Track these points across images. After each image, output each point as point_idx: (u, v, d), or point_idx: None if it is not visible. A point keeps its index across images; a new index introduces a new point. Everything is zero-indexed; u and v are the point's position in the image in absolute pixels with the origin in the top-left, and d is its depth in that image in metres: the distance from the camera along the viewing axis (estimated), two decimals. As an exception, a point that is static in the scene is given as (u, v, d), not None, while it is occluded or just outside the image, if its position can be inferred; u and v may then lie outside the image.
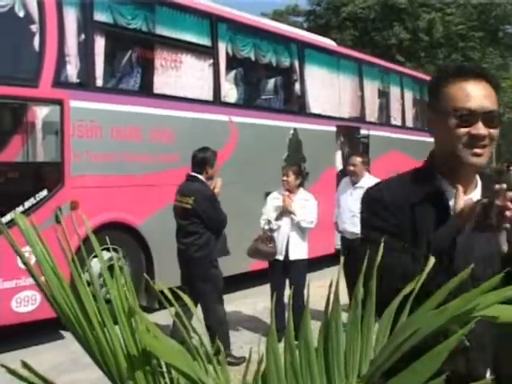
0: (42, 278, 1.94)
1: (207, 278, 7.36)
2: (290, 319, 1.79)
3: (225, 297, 10.55)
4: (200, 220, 7.31)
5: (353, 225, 8.36)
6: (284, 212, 8.16)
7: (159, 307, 8.59)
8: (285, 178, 8.30)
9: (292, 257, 8.14)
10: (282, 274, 8.10)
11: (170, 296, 1.92)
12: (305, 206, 8.22)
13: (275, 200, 8.32)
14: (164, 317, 7.04)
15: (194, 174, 7.52)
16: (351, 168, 8.75)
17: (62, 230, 2.14)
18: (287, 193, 8.25)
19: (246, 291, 10.98)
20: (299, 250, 8.20)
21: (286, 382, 1.76)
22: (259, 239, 8.18)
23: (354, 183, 8.74)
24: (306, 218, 8.15)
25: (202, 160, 7.56)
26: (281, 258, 8.13)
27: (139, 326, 1.80)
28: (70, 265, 1.94)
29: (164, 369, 1.83)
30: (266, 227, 8.19)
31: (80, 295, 1.84)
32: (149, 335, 1.77)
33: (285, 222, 8.19)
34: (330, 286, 1.96)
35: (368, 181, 8.29)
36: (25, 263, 1.92)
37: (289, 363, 1.81)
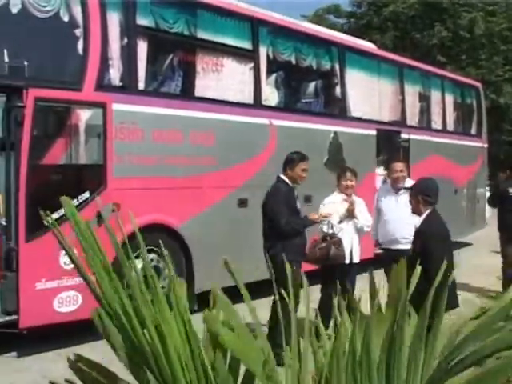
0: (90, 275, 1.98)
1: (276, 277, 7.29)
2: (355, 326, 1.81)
3: (263, 300, 10.60)
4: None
5: (404, 232, 7.99)
6: (348, 216, 8.08)
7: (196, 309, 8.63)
8: (349, 183, 8.23)
9: (355, 260, 8.12)
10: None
11: (223, 296, 1.94)
12: (360, 210, 8.20)
13: (333, 204, 8.18)
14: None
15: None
16: (396, 175, 8.45)
17: (109, 228, 2.18)
18: (346, 197, 8.20)
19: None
20: (358, 254, 8.20)
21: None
22: (328, 243, 7.89)
23: (396, 189, 8.46)
24: (366, 222, 8.16)
25: (285, 160, 7.87)
26: (347, 261, 8.03)
27: (191, 326, 1.82)
28: (120, 258, 1.97)
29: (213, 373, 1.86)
30: (331, 231, 7.99)
31: (135, 295, 1.87)
32: (231, 336, 1.79)
33: (348, 225, 8.11)
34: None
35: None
36: (73, 260, 1.96)
37: (350, 369, 1.82)
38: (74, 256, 2.00)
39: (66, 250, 1.97)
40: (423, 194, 6.40)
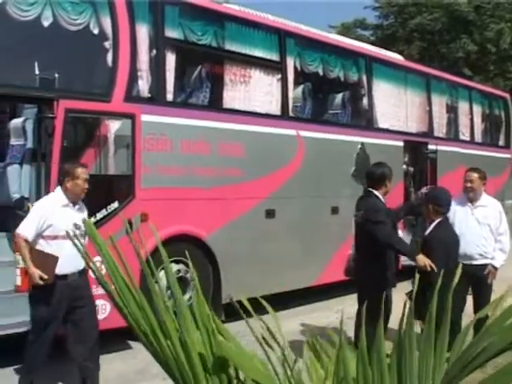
0: (113, 287, 2.01)
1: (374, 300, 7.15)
2: (361, 331, 1.82)
3: (290, 311, 10.60)
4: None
5: (480, 249, 7.77)
6: None
7: (225, 319, 8.65)
8: (469, 185, 7.90)
9: None
10: None
11: (249, 307, 1.96)
12: None
13: None
14: (232, 329, 7.08)
15: (369, 188, 7.34)
16: (468, 184, 7.92)
17: (133, 241, 2.21)
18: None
19: (311, 306, 11.00)
20: None
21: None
22: None
23: (471, 201, 7.92)
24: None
25: (380, 174, 7.36)
26: None
27: (219, 339, 1.84)
28: (145, 272, 2.00)
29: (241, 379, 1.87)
30: None
31: (154, 305, 1.89)
32: (231, 348, 1.81)
33: None
34: (405, 304, 1.99)
35: (489, 199, 7.99)
36: (95, 273, 1.99)
37: (361, 374, 1.84)
38: (99, 272, 2.03)
39: (87, 264, 1.99)
40: (434, 204, 6.48)
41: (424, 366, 1.83)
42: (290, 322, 9.69)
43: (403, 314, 1.96)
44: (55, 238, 6.17)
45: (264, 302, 2.11)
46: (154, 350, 1.91)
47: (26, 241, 6.10)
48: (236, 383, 1.89)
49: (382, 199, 7.26)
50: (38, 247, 6.15)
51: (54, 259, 6.03)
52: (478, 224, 7.77)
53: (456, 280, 2.02)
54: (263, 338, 1.95)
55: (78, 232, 6.12)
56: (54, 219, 6.21)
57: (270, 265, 10.32)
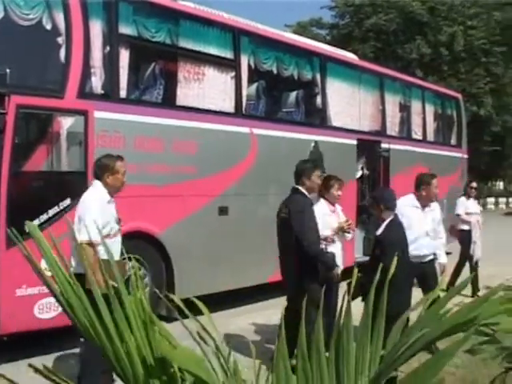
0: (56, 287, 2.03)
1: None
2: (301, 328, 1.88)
3: (242, 308, 10.66)
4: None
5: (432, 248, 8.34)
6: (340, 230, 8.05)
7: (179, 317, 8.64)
8: (340, 193, 8.24)
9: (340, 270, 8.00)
10: None
11: (182, 306, 2.00)
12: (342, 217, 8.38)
13: (329, 217, 8.03)
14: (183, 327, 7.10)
15: (295, 185, 7.48)
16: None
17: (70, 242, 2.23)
18: (333, 207, 8.19)
19: (265, 303, 11.06)
20: (342, 265, 8.15)
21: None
22: None
23: (425, 206, 8.31)
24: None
25: (299, 170, 7.55)
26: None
27: (156, 334, 1.88)
28: (86, 273, 2.03)
29: (180, 375, 1.92)
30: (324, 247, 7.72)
31: (97, 304, 1.92)
32: (165, 343, 1.85)
33: (338, 239, 8.05)
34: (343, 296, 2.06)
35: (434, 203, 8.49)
36: (39, 273, 2.01)
37: (300, 367, 1.90)
38: (42, 271, 2.05)
39: (31, 263, 2.02)
40: (382, 203, 6.67)
41: (361, 356, 1.89)
42: (243, 319, 9.76)
43: (341, 307, 2.03)
44: (107, 236, 6.15)
45: (196, 301, 2.16)
46: (97, 348, 1.95)
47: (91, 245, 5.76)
48: (176, 379, 1.93)
49: (307, 195, 7.42)
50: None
51: (121, 265, 6.05)
52: (431, 226, 8.26)
53: (390, 276, 2.09)
54: (198, 334, 1.99)
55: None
56: (107, 217, 6.20)
57: (224, 262, 10.37)
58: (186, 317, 2.09)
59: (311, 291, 6.73)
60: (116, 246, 6.23)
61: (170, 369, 1.88)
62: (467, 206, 12.69)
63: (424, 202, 8.21)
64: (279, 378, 1.85)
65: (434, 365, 1.64)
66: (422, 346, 1.80)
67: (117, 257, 6.22)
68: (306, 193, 7.42)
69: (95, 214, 6.03)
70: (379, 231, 6.61)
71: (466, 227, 12.64)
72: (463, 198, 12.89)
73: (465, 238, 12.48)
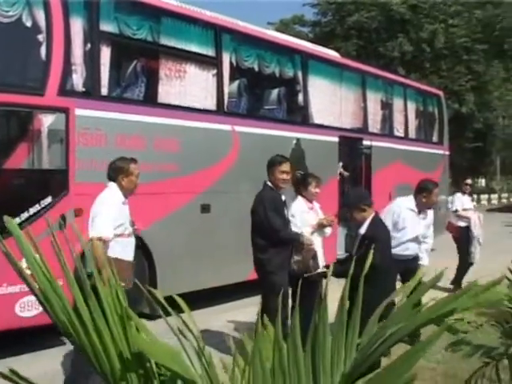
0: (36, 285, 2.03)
1: (264, 285, 7.44)
2: (278, 322, 1.90)
3: (223, 306, 10.67)
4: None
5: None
6: (320, 227, 8.10)
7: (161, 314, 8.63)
8: (318, 190, 8.25)
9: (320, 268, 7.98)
10: None
11: (164, 303, 2.01)
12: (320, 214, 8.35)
13: (307, 214, 8.07)
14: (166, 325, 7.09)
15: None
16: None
17: (63, 238, 2.24)
18: (311, 205, 8.20)
19: (247, 300, 11.06)
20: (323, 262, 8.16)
21: (273, 379, 1.86)
22: (304, 257, 7.68)
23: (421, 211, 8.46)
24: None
25: (266, 166, 7.76)
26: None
27: (132, 329, 1.89)
28: (63, 269, 2.03)
29: (156, 370, 1.93)
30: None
31: (76, 301, 1.93)
32: (141, 337, 1.86)
33: (318, 236, 8.07)
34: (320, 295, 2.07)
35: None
36: (18, 271, 2.01)
37: (277, 361, 1.91)
38: (22, 269, 2.05)
39: (10, 261, 2.02)
40: (362, 202, 6.66)
41: (336, 350, 1.91)
42: (225, 317, 9.76)
43: (319, 301, 2.04)
44: (121, 235, 6.27)
45: (177, 298, 2.17)
46: (76, 344, 1.95)
47: (101, 241, 6.06)
48: (153, 375, 1.94)
49: (273, 188, 7.61)
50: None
51: (128, 264, 6.08)
52: (423, 231, 8.38)
53: (365, 271, 2.11)
54: (178, 329, 2.00)
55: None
56: (122, 218, 6.30)
57: (206, 259, 10.36)
58: (168, 314, 2.10)
59: (271, 279, 7.18)
60: (130, 246, 6.41)
61: (146, 363, 1.89)
62: (463, 202, 12.68)
63: (421, 208, 8.29)
64: (256, 371, 1.86)
65: (409, 359, 1.66)
66: (397, 340, 1.81)
67: (131, 257, 6.42)
68: (272, 186, 7.61)
69: (112, 214, 6.24)
70: (364, 229, 6.57)
71: (463, 224, 12.61)
72: (459, 194, 12.88)
73: (462, 235, 12.47)
